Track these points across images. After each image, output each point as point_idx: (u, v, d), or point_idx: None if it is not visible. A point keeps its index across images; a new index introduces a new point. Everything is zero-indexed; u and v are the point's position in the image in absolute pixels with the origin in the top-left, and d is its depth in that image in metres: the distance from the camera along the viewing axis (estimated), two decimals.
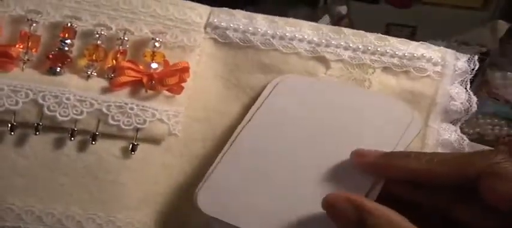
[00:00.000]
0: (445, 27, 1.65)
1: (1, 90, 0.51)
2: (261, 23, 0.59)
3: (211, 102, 0.59)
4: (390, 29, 1.77)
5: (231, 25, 0.58)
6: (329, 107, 0.54)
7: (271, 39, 0.58)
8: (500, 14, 1.84)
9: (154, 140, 0.56)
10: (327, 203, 0.47)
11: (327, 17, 1.41)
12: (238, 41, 0.58)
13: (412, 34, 1.80)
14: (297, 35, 0.59)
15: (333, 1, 1.45)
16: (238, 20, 0.58)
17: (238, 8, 0.60)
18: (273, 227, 0.50)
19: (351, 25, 1.43)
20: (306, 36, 0.59)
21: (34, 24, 0.53)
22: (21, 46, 0.53)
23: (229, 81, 0.59)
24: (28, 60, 0.53)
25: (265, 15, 0.60)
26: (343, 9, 1.43)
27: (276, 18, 0.59)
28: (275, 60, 0.58)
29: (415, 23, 1.82)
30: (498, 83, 1.29)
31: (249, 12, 0.60)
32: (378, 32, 0.60)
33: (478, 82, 1.37)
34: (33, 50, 0.53)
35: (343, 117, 0.54)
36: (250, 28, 0.58)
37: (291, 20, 0.60)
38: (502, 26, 1.53)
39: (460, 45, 1.53)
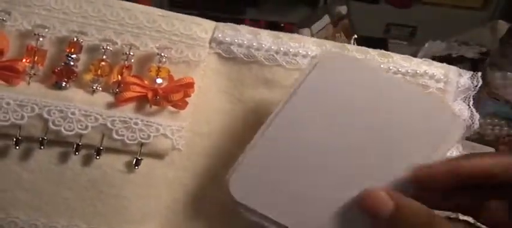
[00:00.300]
0: (445, 27, 1.65)
1: (7, 105, 0.51)
2: (266, 39, 0.59)
3: (214, 117, 0.59)
4: (390, 29, 1.78)
5: (236, 40, 0.58)
6: (371, 96, 0.52)
7: (275, 55, 0.58)
8: (500, 14, 1.85)
9: (158, 155, 0.56)
10: (365, 196, 0.48)
11: (327, 17, 1.41)
12: (242, 56, 0.58)
13: (412, 34, 1.80)
14: (300, 51, 0.59)
15: (333, 1, 1.45)
16: (242, 35, 0.59)
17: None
18: (302, 218, 0.50)
19: (351, 25, 1.43)
20: (309, 52, 0.59)
21: (41, 39, 0.53)
22: (28, 60, 0.53)
23: (232, 95, 0.59)
24: (34, 74, 0.53)
25: (270, 31, 0.60)
26: (343, 9, 1.42)
27: (281, 34, 0.60)
28: (278, 76, 0.59)
29: (415, 23, 1.82)
30: (498, 83, 1.29)
31: (253, 28, 0.60)
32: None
33: None
34: (39, 65, 0.53)
35: (385, 109, 0.52)
36: (254, 43, 0.58)
37: (295, 35, 0.60)
38: (502, 26, 1.53)
39: (460, 45, 1.53)
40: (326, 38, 1.38)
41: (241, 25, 0.60)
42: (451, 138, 0.51)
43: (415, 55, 1.52)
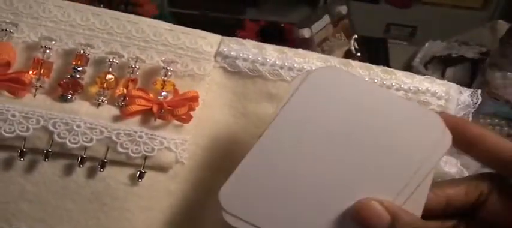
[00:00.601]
0: (445, 27, 1.66)
1: (13, 117, 0.51)
2: (270, 54, 0.59)
3: (218, 130, 0.59)
4: (390, 29, 1.78)
5: (241, 55, 0.58)
6: (361, 108, 0.52)
7: (279, 70, 0.59)
8: (500, 14, 1.85)
9: (162, 168, 0.56)
10: (360, 206, 0.48)
11: (327, 17, 1.41)
12: (247, 70, 0.59)
13: (412, 34, 1.81)
14: (305, 66, 0.59)
15: (333, 1, 1.45)
16: (248, 49, 0.59)
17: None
18: None
19: (351, 25, 1.44)
20: (314, 68, 0.59)
21: (47, 51, 0.54)
22: (34, 72, 0.53)
23: (236, 109, 0.60)
24: (40, 86, 0.53)
25: (275, 46, 0.60)
26: (343, 9, 1.43)
27: (285, 49, 0.60)
28: (282, 90, 0.59)
29: (415, 23, 1.82)
30: (498, 83, 1.30)
31: (258, 42, 0.60)
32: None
33: (478, 82, 1.38)
34: (45, 77, 0.54)
35: (374, 120, 0.52)
36: (259, 58, 0.58)
37: (300, 51, 0.60)
38: (502, 26, 1.54)
39: (460, 45, 1.53)
40: (326, 38, 1.39)
41: (247, 39, 0.60)
42: (440, 150, 0.51)
43: (415, 55, 1.53)
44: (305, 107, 0.52)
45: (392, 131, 0.51)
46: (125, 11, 1.16)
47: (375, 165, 0.50)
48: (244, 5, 1.65)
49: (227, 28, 1.40)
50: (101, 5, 1.13)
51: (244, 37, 1.28)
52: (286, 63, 0.59)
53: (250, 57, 0.59)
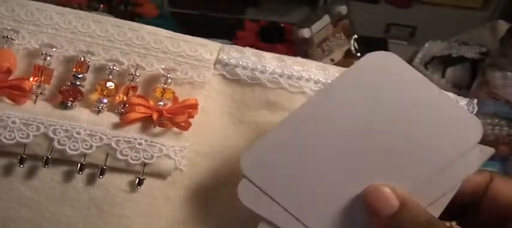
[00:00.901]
0: (445, 27, 1.66)
1: (13, 124, 0.51)
2: (270, 62, 0.59)
3: (216, 138, 0.60)
4: (390, 29, 1.78)
5: (241, 63, 0.59)
6: (403, 98, 0.52)
7: (278, 78, 0.59)
8: (500, 14, 1.85)
9: (161, 175, 0.57)
10: (370, 190, 0.49)
11: (327, 17, 1.41)
12: (246, 78, 0.59)
13: (412, 34, 1.81)
14: (304, 75, 0.59)
15: (333, 1, 1.45)
16: (247, 57, 0.59)
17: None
18: (308, 208, 0.51)
19: (351, 25, 1.44)
20: (312, 76, 0.59)
21: (48, 58, 0.54)
22: (35, 79, 0.53)
23: (235, 117, 0.60)
24: (41, 93, 0.53)
25: (274, 54, 0.60)
26: (343, 9, 1.43)
27: (285, 58, 0.60)
28: (281, 98, 0.59)
29: (415, 23, 1.82)
30: (498, 83, 1.30)
31: (258, 50, 0.60)
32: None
33: (478, 82, 1.38)
34: (46, 84, 0.54)
35: (412, 112, 0.52)
36: (258, 66, 0.59)
37: (299, 59, 0.60)
38: (502, 26, 1.54)
39: (460, 45, 1.53)
40: (326, 38, 1.39)
41: (246, 47, 0.60)
42: (468, 142, 0.51)
43: (415, 55, 1.53)
44: (347, 89, 0.52)
45: (426, 126, 0.51)
46: (125, 10, 1.16)
47: (400, 155, 0.51)
48: (244, 5, 1.66)
49: (227, 28, 1.41)
50: (101, 5, 1.14)
51: (244, 37, 1.29)
52: (285, 72, 0.59)
53: (250, 65, 0.59)
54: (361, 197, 0.50)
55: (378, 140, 0.51)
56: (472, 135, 0.52)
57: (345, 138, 0.51)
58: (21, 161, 0.52)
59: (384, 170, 0.51)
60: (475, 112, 0.61)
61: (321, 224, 0.50)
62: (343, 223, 0.50)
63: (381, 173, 0.50)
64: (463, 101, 0.62)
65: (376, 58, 0.53)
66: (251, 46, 1.28)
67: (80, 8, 1.06)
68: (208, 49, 0.59)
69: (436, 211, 0.50)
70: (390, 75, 0.52)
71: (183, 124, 0.55)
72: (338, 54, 1.39)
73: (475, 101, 0.62)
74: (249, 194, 0.51)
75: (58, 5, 0.57)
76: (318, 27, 1.38)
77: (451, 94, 0.61)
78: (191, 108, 0.56)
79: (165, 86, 0.56)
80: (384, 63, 0.53)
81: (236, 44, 1.30)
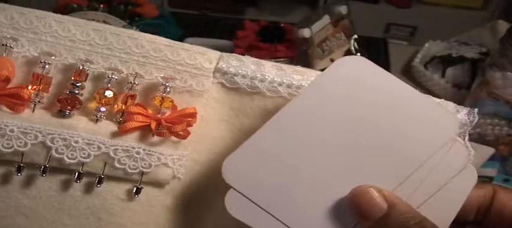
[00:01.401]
0: (445, 27, 1.66)
1: (11, 132, 0.51)
2: (269, 70, 0.59)
3: (215, 146, 0.60)
4: (390, 29, 1.78)
5: (240, 71, 0.58)
6: (378, 99, 0.53)
7: (278, 87, 0.59)
8: (500, 14, 1.85)
9: (159, 184, 0.57)
10: (357, 193, 0.48)
11: (327, 17, 1.40)
12: (245, 86, 0.59)
13: (412, 34, 1.81)
14: (303, 84, 0.59)
15: (333, 1, 1.44)
16: (247, 66, 0.59)
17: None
18: (295, 212, 0.51)
19: (351, 25, 1.43)
20: None
21: (47, 66, 0.54)
22: (33, 88, 0.53)
23: (233, 125, 0.60)
24: (39, 102, 0.53)
25: (274, 63, 0.60)
26: (343, 9, 1.42)
27: (284, 66, 0.60)
28: (280, 107, 0.59)
29: (415, 23, 1.83)
30: (498, 83, 1.29)
31: (257, 59, 0.60)
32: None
33: (478, 82, 1.38)
34: (44, 92, 0.54)
35: (388, 113, 0.52)
36: (258, 75, 0.58)
37: (298, 68, 0.60)
38: (502, 26, 1.54)
39: (460, 45, 1.53)
40: (326, 38, 1.38)
41: (246, 56, 0.60)
42: (446, 134, 0.52)
43: (415, 55, 1.53)
44: (324, 93, 0.53)
45: (404, 125, 0.52)
46: (125, 10, 1.16)
47: (381, 155, 0.51)
48: (244, 5, 1.66)
49: (227, 28, 1.41)
50: (101, 5, 1.13)
51: (244, 37, 1.29)
52: (284, 80, 0.59)
53: (249, 73, 0.59)
54: (348, 199, 0.50)
55: (360, 141, 0.51)
56: (449, 126, 0.53)
57: (327, 140, 0.52)
58: (19, 170, 0.52)
59: (367, 170, 0.51)
60: (476, 121, 0.61)
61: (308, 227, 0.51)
62: (331, 225, 0.50)
63: (365, 173, 0.51)
64: (463, 111, 0.61)
65: (349, 62, 0.54)
66: (251, 46, 1.28)
67: (80, 8, 1.06)
68: (207, 57, 0.58)
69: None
70: (365, 78, 0.53)
71: (181, 133, 0.55)
72: (338, 54, 1.39)
73: (476, 110, 0.62)
74: (237, 204, 0.51)
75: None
76: (318, 27, 1.37)
77: (451, 104, 0.61)
78: (190, 117, 0.56)
79: (164, 94, 0.56)
80: (357, 67, 0.54)
81: (236, 44, 1.31)
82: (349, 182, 0.50)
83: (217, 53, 0.59)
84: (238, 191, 0.51)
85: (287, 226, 0.50)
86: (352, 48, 1.41)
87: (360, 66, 0.53)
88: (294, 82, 0.59)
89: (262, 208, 0.51)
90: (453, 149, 0.52)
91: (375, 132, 0.52)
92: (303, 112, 0.53)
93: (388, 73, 0.54)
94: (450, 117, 0.53)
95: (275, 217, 0.50)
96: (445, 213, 0.51)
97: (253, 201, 0.51)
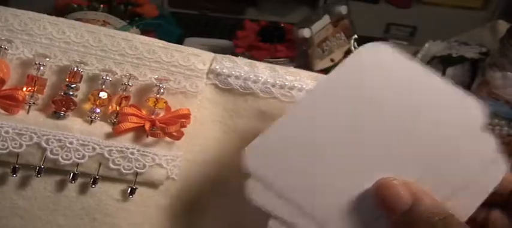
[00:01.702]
0: (445, 27, 1.66)
1: (6, 133, 0.52)
2: (262, 72, 0.59)
3: (208, 146, 0.60)
4: (390, 29, 1.78)
5: (233, 72, 0.59)
6: (406, 89, 0.51)
7: (271, 88, 0.59)
8: (500, 14, 1.85)
9: (153, 184, 0.57)
10: (382, 185, 0.48)
11: (327, 17, 1.40)
12: (239, 88, 0.59)
13: (412, 34, 1.81)
14: (296, 84, 0.60)
15: (333, 1, 1.44)
16: (240, 67, 0.59)
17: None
18: (315, 201, 0.50)
19: (351, 25, 1.43)
20: (305, 86, 0.60)
21: (41, 68, 0.54)
22: (28, 89, 0.54)
23: (227, 126, 0.60)
24: (33, 103, 0.54)
25: (267, 64, 0.61)
26: (343, 9, 1.42)
27: (277, 67, 0.60)
28: (273, 108, 0.60)
29: (415, 23, 1.83)
30: (498, 83, 1.29)
31: (251, 60, 0.60)
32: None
33: (478, 82, 1.38)
34: (39, 93, 0.54)
35: (418, 101, 0.51)
36: (251, 76, 0.59)
37: (291, 69, 0.61)
38: (502, 26, 1.53)
39: (460, 45, 1.53)
40: (326, 38, 1.38)
41: (239, 57, 0.61)
42: (475, 123, 0.51)
43: (415, 55, 1.53)
44: (349, 79, 0.52)
45: (432, 113, 0.51)
46: (125, 11, 1.16)
47: (408, 143, 0.50)
48: (244, 5, 1.66)
49: (227, 28, 1.41)
50: (101, 5, 1.14)
51: (244, 37, 1.29)
52: (277, 81, 0.59)
53: (243, 74, 0.59)
54: (372, 191, 0.49)
55: (385, 128, 0.51)
56: (477, 116, 0.51)
57: (352, 128, 0.51)
58: (14, 171, 0.53)
59: (393, 158, 0.50)
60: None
61: (331, 216, 0.50)
62: (353, 215, 0.49)
63: (391, 161, 0.50)
64: None
65: (374, 50, 0.53)
66: (251, 46, 1.28)
67: (80, 8, 1.06)
68: (201, 59, 0.59)
69: (462, 216, 0.49)
70: (392, 65, 0.52)
71: (175, 134, 0.56)
72: (338, 54, 1.39)
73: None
74: (258, 192, 0.50)
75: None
76: (318, 27, 1.38)
77: None
78: (183, 118, 0.56)
79: (158, 95, 0.56)
80: (383, 53, 0.52)
81: (236, 44, 1.31)
82: (375, 171, 0.49)
83: (211, 55, 0.60)
84: (259, 179, 0.50)
85: (310, 214, 0.50)
86: (352, 48, 1.41)
87: (386, 52, 0.52)
88: (286, 83, 0.59)
89: (284, 196, 0.50)
90: (482, 139, 0.51)
91: (402, 120, 0.51)
92: (327, 99, 0.52)
93: (415, 61, 0.53)
94: (478, 106, 0.51)
95: (298, 204, 0.50)
96: (470, 202, 0.50)
97: (276, 189, 0.50)
